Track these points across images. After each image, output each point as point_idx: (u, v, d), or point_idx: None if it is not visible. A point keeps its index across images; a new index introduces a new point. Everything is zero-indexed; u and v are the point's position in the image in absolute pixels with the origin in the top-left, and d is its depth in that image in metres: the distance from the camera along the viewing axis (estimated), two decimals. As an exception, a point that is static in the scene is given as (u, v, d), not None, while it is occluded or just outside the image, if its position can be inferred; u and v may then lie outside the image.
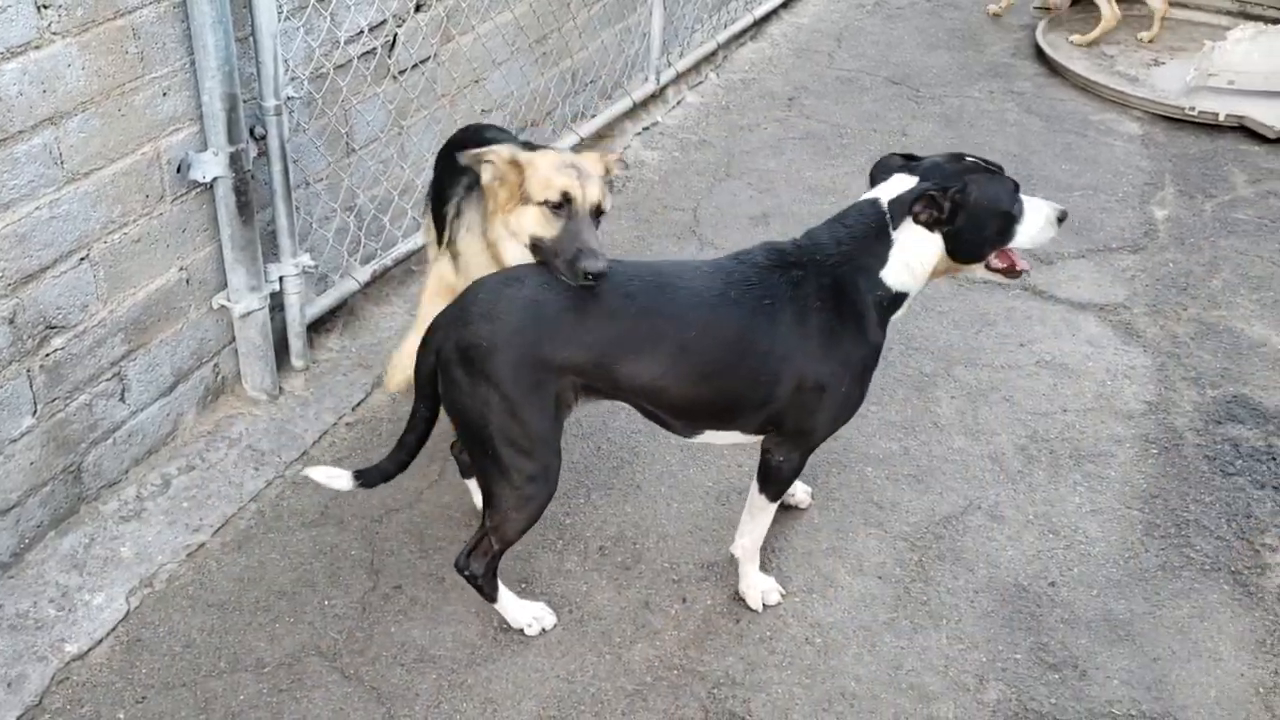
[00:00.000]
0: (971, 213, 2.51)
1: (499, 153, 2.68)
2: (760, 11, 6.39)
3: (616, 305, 2.48)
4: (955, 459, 3.38)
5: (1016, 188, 2.61)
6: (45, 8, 2.52)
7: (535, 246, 2.63)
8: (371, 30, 3.58)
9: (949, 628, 2.84)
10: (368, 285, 3.83)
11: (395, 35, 3.71)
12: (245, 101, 3.04)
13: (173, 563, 2.90)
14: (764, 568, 2.96)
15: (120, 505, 3.03)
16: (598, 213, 2.66)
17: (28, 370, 2.74)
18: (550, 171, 2.63)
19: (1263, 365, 3.77)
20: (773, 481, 2.77)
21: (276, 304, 3.42)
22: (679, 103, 5.59)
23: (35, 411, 2.78)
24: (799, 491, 3.19)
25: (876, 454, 3.40)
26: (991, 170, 2.59)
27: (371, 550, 2.99)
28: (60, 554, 2.88)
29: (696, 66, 5.82)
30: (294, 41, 3.24)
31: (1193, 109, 5.42)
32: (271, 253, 3.35)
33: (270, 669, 2.64)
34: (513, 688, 2.63)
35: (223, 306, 3.26)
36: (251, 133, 3.09)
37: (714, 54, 5.98)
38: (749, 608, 2.86)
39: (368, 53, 3.59)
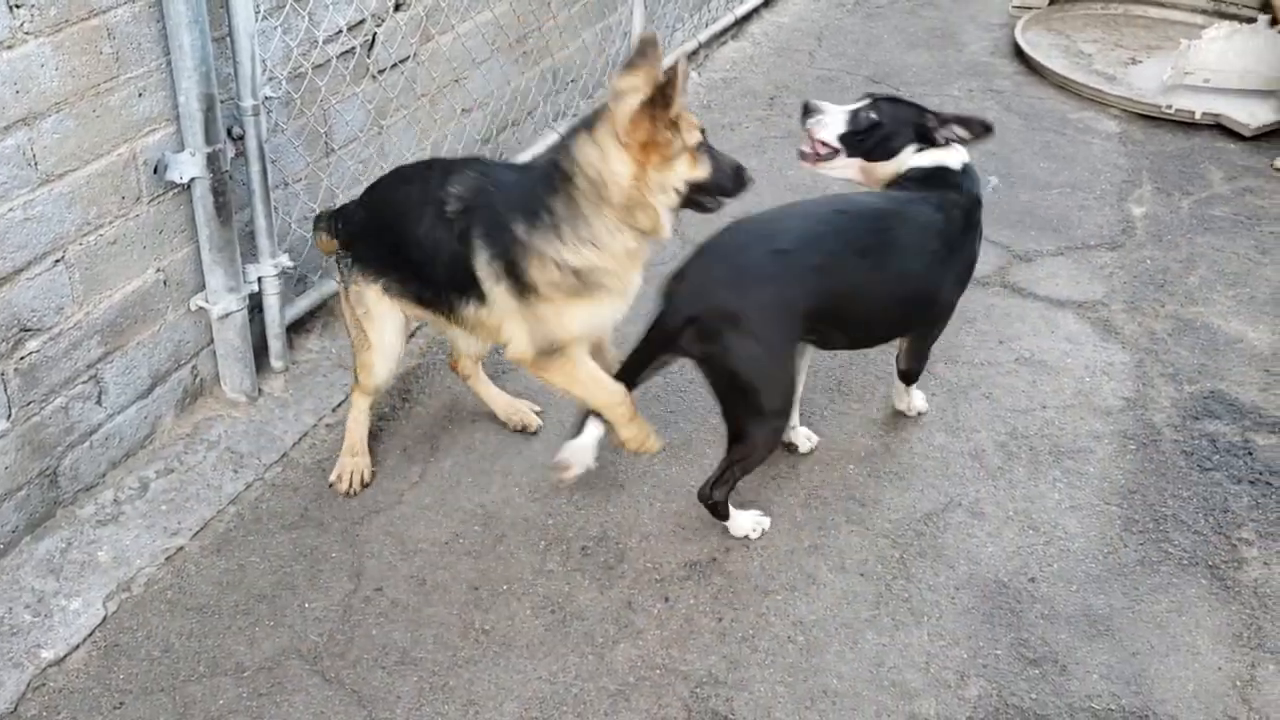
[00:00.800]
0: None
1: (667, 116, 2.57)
2: (741, 10, 6.38)
3: (830, 250, 2.87)
4: (936, 456, 3.39)
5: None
6: (18, 7, 2.50)
7: (695, 190, 2.69)
8: (350, 30, 3.57)
9: (930, 624, 2.85)
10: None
11: (374, 35, 3.70)
12: (222, 102, 3.02)
13: (151, 566, 2.88)
14: (746, 567, 2.97)
15: (97, 509, 3.01)
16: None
17: (2, 374, 2.71)
18: (686, 115, 2.64)
19: (1239, 361, 3.79)
20: (915, 374, 3.41)
21: (255, 305, 3.40)
22: (659, 102, 5.58)
23: (10, 415, 2.76)
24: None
25: (858, 451, 3.40)
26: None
27: (352, 552, 2.98)
28: (36, 559, 2.86)
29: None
30: (271, 41, 3.22)
31: (1169, 107, 5.45)
32: (250, 254, 3.33)
33: (250, 673, 2.62)
34: (495, 689, 2.63)
35: (200, 308, 3.24)
36: (229, 133, 3.07)
37: (695, 53, 5.97)
38: (732, 605, 2.86)
39: (346, 52, 3.58)
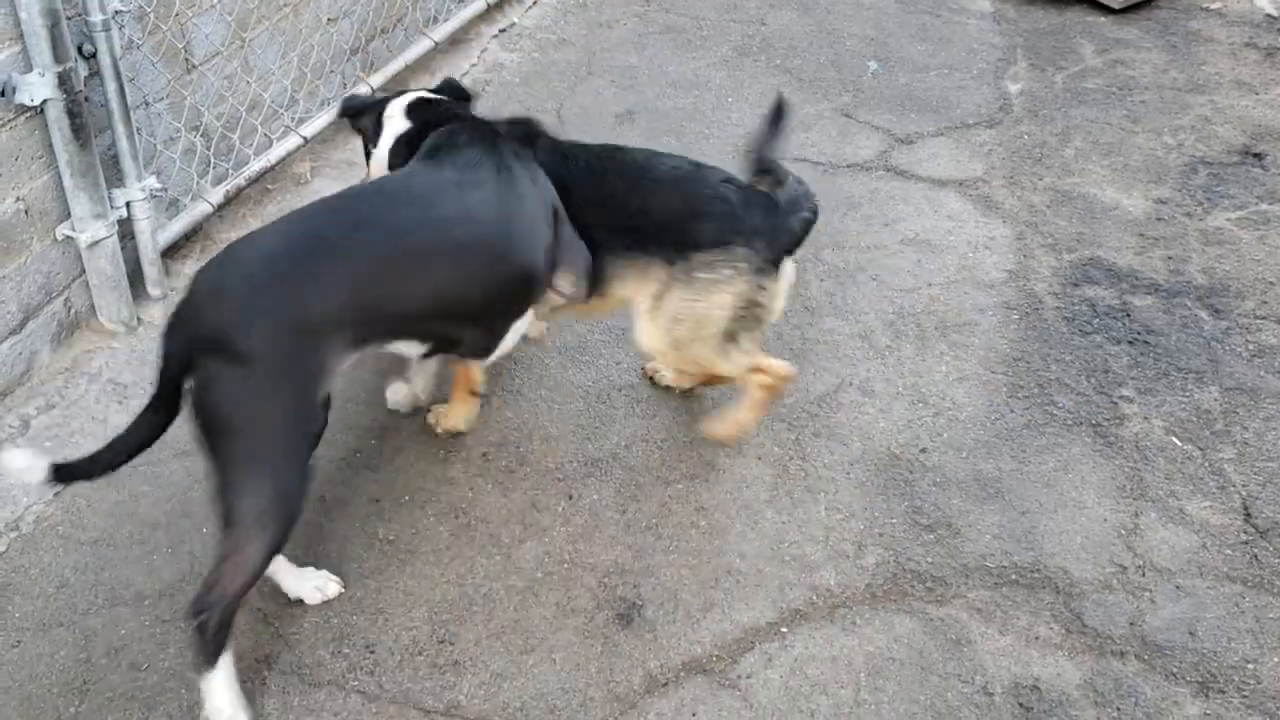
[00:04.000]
0: None
1: None
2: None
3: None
4: (826, 340, 3.44)
5: None
6: None
7: None
8: (200, -63, 3.41)
9: (827, 500, 2.92)
10: (222, 207, 3.70)
11: (227, -58, 3.54)
12: (70, 18, 2.87)
13: (39, 504, 2.81)
14: (647, 460, 3.00)
15: (-23, 451, 2.91)
16: None
17: None
18: None
19: (1115, 228, 3.90)
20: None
21: (126, 232, 3.28)
22: (536, 2, 5.48)
23: None
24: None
25: (752, 341, 3.43)
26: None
27: (248, 474, 2.92)
28: (-84, 505, 2.76)
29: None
30: (115, -49, 3.06)
31: (1041, -16, 5.50)
32: (115, 178, 3.20)
33: (151, 600, 2.59)
34: (403, 596, 2.63)
35: (68, 237, 3.12)
36: (80, 51, 2.93)
37: (568, -48, 5.84)
38: (635, 498, 2.89)
39: (199, -38, 3.42)
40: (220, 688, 2.27)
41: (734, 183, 2.77)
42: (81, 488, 2.85)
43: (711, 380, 3.09)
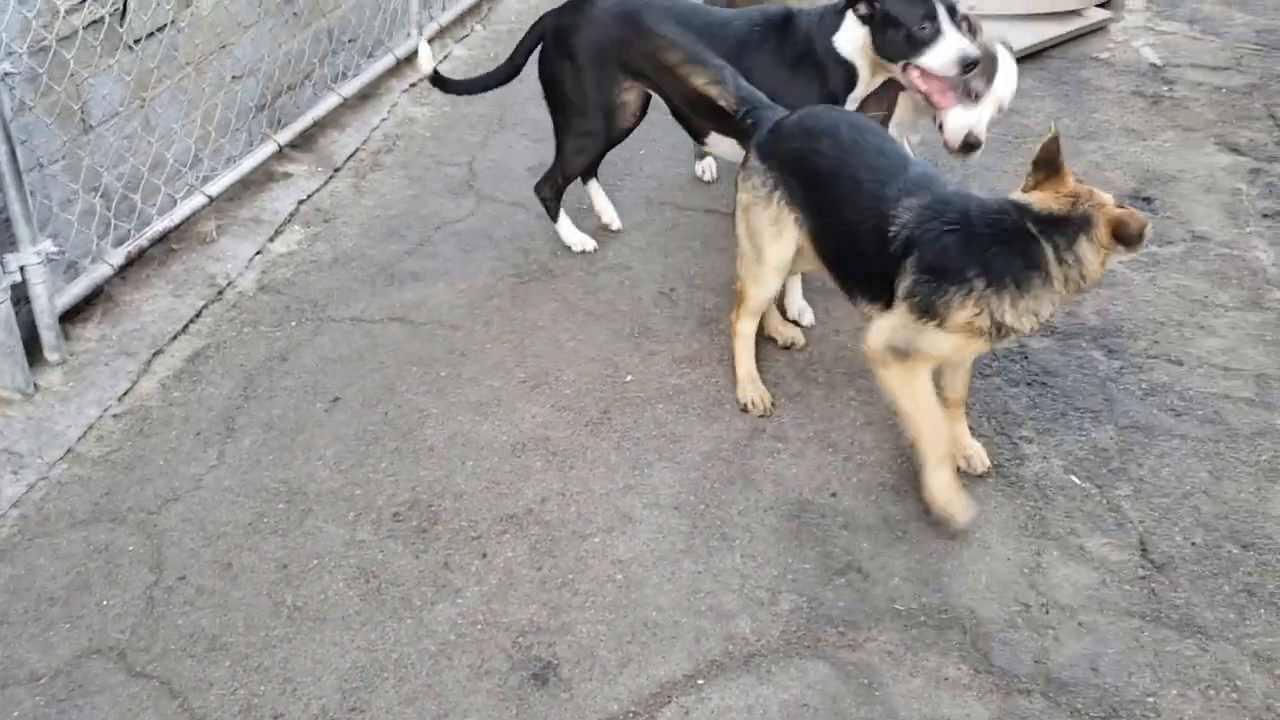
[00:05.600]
0: (885, 17, 3.31)
1: None
2: (519, -39, 6.33)
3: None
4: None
5: (935, 14, 3.25)
6: None
7: None
8: (96, -1, 3.38)
9: (742, 547, 2.94)
10: (124, 268, 3.64)
11: (125, 2, 3.51)
12: (-42, 82, 2.83)
13: (-70, 581, 2.72)
14: (563, 514, 3.00)
15: None
16: None
17: None
18: None
19: (1012, 271, 4.01)
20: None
21: (21, 296, 3.22)
22: (446, 57, 5.51)
23: None
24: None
25: (667, 390, 3.46)
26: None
27: (151, 543, 2.87)
28: None
29: (461, 19, 5.74)
30: (5, 13, 3.02)
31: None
32: (8, 242, 3.14)
33: (47, 679, 2.51)
34: (311, 664, 2.58)
35: (-41, 304, 3.05)
36: (-31, 115, 2.89)
37: (478, 5, 5.91)
38: (550, 553, 2.89)
39: (95, 22, 3.39)
40: (564, 227, 4.09)
41: None
42: (-25, 562, 2.77)
43: None
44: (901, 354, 2.91)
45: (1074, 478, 3.15)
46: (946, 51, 3.27)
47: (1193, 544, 2.95)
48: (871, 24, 3.35)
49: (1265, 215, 4.33)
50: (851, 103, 3.54)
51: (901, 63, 3.37)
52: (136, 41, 3.60)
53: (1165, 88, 5.34)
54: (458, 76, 4.23)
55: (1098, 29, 5.89)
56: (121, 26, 3.52)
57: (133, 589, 2.74)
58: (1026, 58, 5.56)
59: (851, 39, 3.42)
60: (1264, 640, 2.70)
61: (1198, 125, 5.00)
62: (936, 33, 3.26)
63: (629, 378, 3.51)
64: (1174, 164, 4.69)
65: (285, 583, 2.78)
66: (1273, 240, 4.18)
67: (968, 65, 3.26)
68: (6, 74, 2.94)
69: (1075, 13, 5.89)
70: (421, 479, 3.12)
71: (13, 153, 2.99)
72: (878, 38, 3.35)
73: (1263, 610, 2.77)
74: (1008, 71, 3.54)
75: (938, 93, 3.41)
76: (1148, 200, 4.43)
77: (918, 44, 3.29)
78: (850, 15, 3.39)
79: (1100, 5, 6.00)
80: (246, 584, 2.77)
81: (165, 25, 3.72)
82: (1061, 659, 2.65)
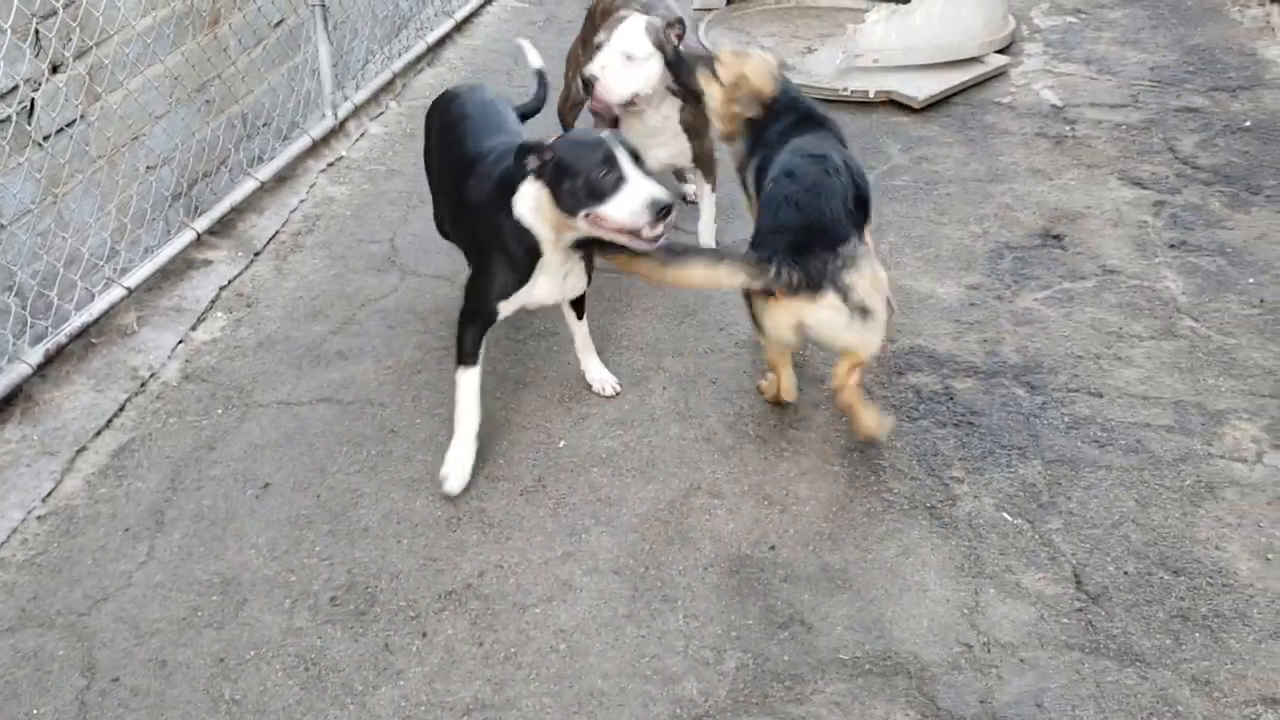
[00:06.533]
0: (559, 167, 3.01)
1: None
2: (433, 38, 6.39)
3: None
4: (673, 446, 3.50)
5: (614, 158, 2.97)
6: None
7: None
8: (2, 97, 3.35)
9: (684, 607, 2.94)
10: (43, 366, 3.58)
11: (32, 100, 3.49)
12: None
13: None
14: (502, 587, 2.98)
15: None
16: None
17: None
18: None
19: (932, 316, 4.09)
20: None
21: (-64, 402, 3.15)
22: (362, 135, 5.52)
23: None
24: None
25: (600, 454, 3.47)
26: (588, 143, 3.03)
27: (82, 646, 2.80)
28: None
29: (375, 97, 5.76)
30: (-89, 118, 2.99)
31: (846, 89, 5.82)
32: (-79, 348, 3.08)
33: (-22, 796, 2.43)
34: (254, 758, 2.53)
35: None
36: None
37: (392, 83, 5.93)
38: (491, 627, 2.86)
39: (2, 121, 3.36)
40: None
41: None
42: (-103, 680, 2.68)
43: None
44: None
45: (1006, 515, 3.20)
46: (634, 199, 2.96)
47: (1125, 573, 3.00)
48: (546, 179, 3.03)
49: (1171, 246, 4.48)
50: (543, 274, 3.27)
51: (583, 212, 3.01)
52: (46, 138, 3.57)
53: (1067, 127, 5.51)
54: (374, 155, 4.23)
55: (999, 74, 6.08)
56: (30, 124, 3.49)
57: (64, 695, 2.66)
58: (932, 106, 5.72)
59: (528, 198, 3.12)
60: (1200, 664, 2.75)
61: (1101, 162, 5.16)
62: (619, 179, 2.96)
63: (561, 443, 3.51)
64: (1081, 201, 4.84)
65: (223, 676, 2.73)
66: (1180, 270, 4.31)
67: (660, 212, 2.95)
68: (-89, 178, 2.91)
69: (976, 59, 6.08)
70: (357, 560, 3.08)
71: (-79, 257, 2.95)
72: (555, 193, 3.02)
73: (1197, 634, 2.83)
74: (631, 23, 3.91)
75: (627, 239, 3.04)
76: (1058, 238, 4.56)
77: (599, 193, 2.97)
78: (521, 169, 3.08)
79: (999, 52, 6.20)
80: (182, 681, 2.71)
81: (75, 120, 3.70)
82: (1006, 697, 2.67)
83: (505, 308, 3.30)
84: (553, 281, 3.31)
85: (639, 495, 3.31)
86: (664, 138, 4.13)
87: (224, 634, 2.84)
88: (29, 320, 3.58)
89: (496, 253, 3.23)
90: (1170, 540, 3.10)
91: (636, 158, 3.03)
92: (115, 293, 3.89)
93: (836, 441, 3.50)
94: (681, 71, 3.84)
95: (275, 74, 4.98)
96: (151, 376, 3.76)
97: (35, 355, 3.52)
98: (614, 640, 2.85)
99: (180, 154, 4.33)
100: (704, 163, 4.29)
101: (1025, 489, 3.29)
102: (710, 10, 6.96)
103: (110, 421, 3.56)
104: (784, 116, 3.58)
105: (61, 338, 3.64)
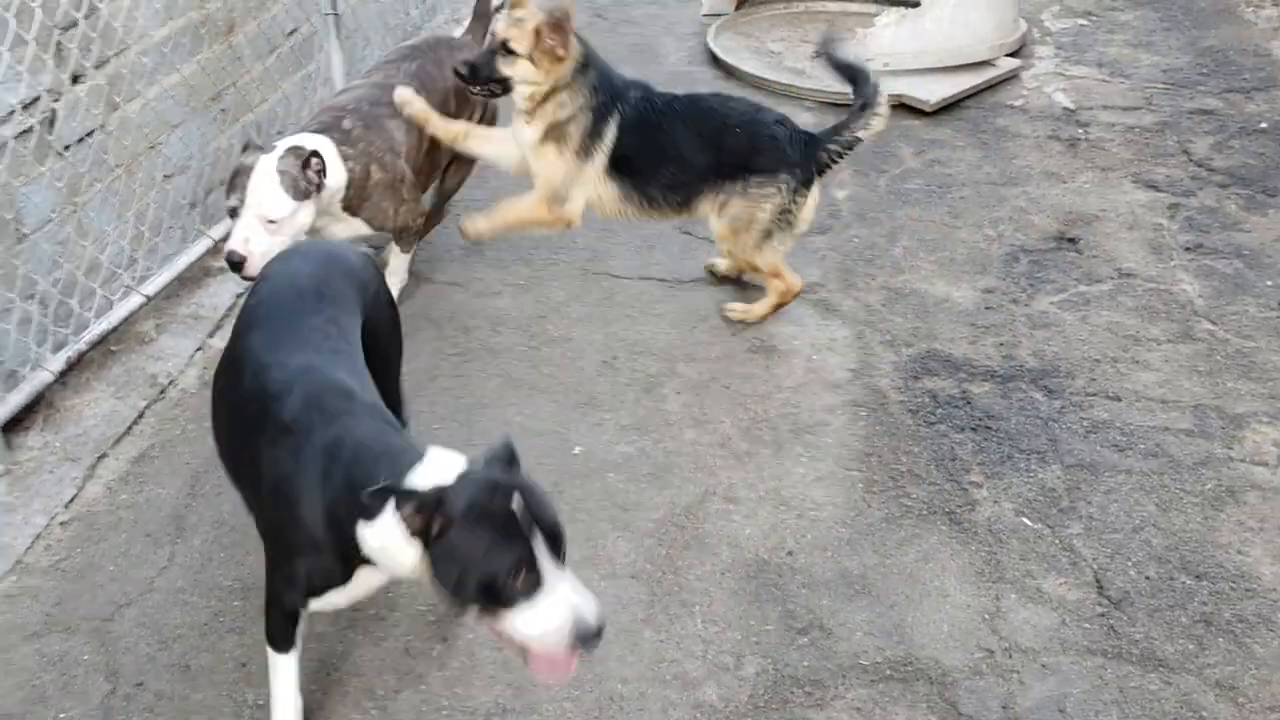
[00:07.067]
0: (451, 548, 2.06)
1: None
2: (444, 44, 6.40)
3: None
4: (688, 451, 3.50)
5: (533, 559, 2.05)
6: None
7: None
8: (25, 108, 3.38)
9: (702, 612, 2.94)
10: (64, 374, 3.60)
11: (54, 110, 3.51)
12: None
13: (-125, 709, 2.64)
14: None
15: None
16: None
17: None
18: None
19: (947, 320, 4.10)
20: None
21: (-41, 410, 3.17)
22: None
23: None
24: None
25: (615, 459, 3.48)
26: (496, 521, 2.05)
27: (106, 651, 2.81)
28: None
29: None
30: (-66, 128, 3.02)
31: (858, 93, 5.81)
32: (-56, 356, 3.10)
33: (4, 801, 2.45)
34: (277, 763, 2.54)
35: (-105, 422, 3.00)
36: (-101, 231, 2.88)
37: (404, 91, 5.94)
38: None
39: (24, 131, 3.38)
40: None
41: (784, 124, 3.87)
42: (-78, 687, 2.70)
43: (750, 269, 4.08)
44: None
45: (1026, 520, 3.20)
46: (551, 616, 2.07)
47: (1147, 578, 3.00)
48: (427, 544, 2.08)
49: (1187, 249, 4.47)
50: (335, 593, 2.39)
51: (474, 609, 2.12)
52: (66, 148, 3.59)
53: (1080, 130, 5.51)
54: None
55: (1010, 77, 6.08)
56: (51, 134, 3.52)
57: (90, 699, 2.68)
58: (944, 109, 5.72)
59: (385, 539, 2.14)
60: (1224, 669, 2.74)
61: (1115, 165, 5.16)
62: (535, 584, 2.06)
63: (577, 449, 3.51)
64: (1095, 204, 4.83)
65: (245, 681, 2.74)
66: (1197, 273, 4.31)
67: (587, 638, 2.09)
68: (-64, 188, 2.93)
69: (987, 63, 6.07)
70: (378, 566, 3.09)
71: (-55, 266, 2.97)
72: (438, 569, 2.08)
73: (1221, 639, 2.82)
74: (262, 179, 3.36)
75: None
76: (1072, 241, 4.56)
77: (503, 598, 2.06)
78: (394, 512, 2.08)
79: (1010, 55, 6.20)
80: (206, 685, 2.72)
81: (94, 130, 3.73)
82: (1029, 702, 2.67)
83: (319, 604, 2.43)
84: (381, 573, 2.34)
85: (655, 500, 3.31)
86: (335, 224, 3.72)
87: (245, 639, 2.85)
88: (50, 328, 3.60)
89: (308, 554, 2.31)
90: (1192, 545, 3.10)
91: (556, 543, 2.11)
92: (134, 301, 3.91)
93: (853, 446, 3.50)
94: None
95: (289, 82, 5.00)
96: (170, 383, 3.78)
97: (57, 362, 3.54)
98: (632, 645, 2.85)
99: (196, 162, 4.35)
100: (395, 230, 3.96)
101: (1045, 493, 3.29)
102: (718, 16, 6.97)
103: (130, 428, 3.58)
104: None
105: (82, 345, 3.65)
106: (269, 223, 3.36)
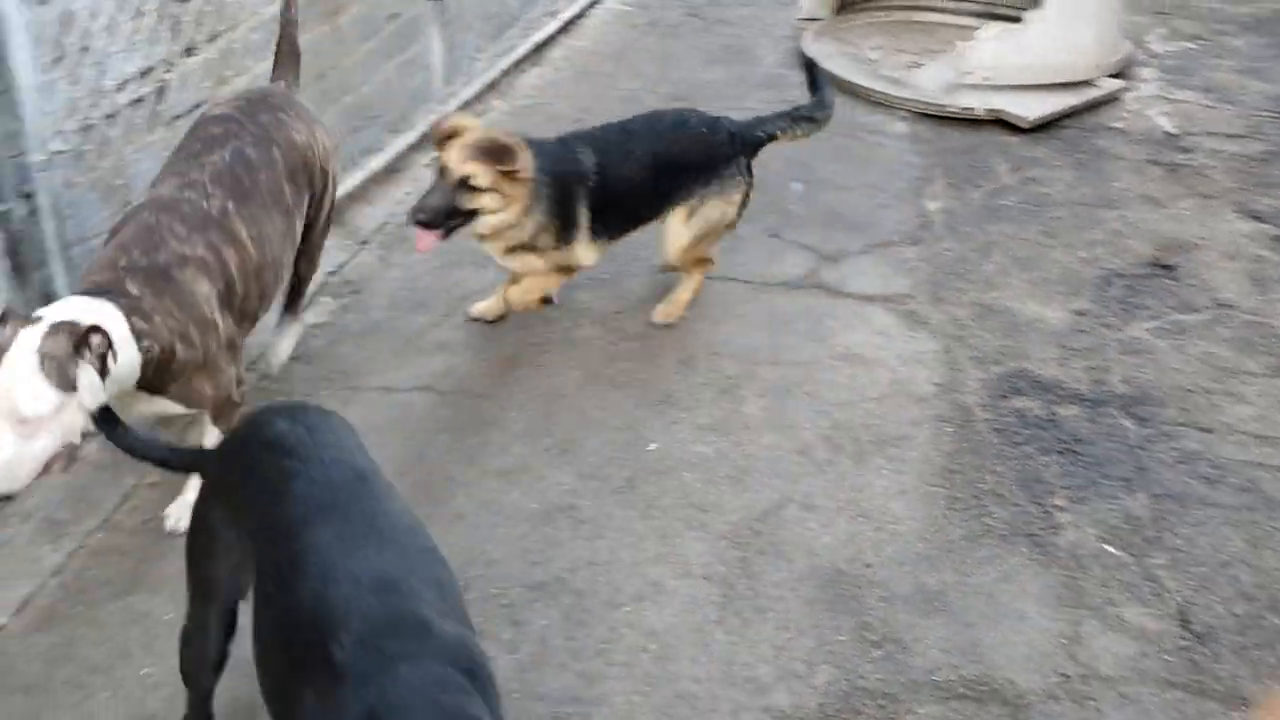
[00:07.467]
0: None
1: None
2: (538, 37, 6.45)
3: None
4: (766, 455, 3.49)
5: None
6: None
7: None
8: (141, 77, 3.46)
9: (776, 618, 2.93)
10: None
11: (165, 81, 3.59)
12: (12, 157, 2.89)
13: (-35, 654, 2.72)
14: (594, 583, 3.00)
15: (-98, 598, 2.83)
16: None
17: None
18: None
19: (1038, 340, 4.04)
20: None
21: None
22: (468, 131, 5.59)
23: None
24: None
25: (692, 459, 3.47)
26: None
27: (187, 612, 2.87)
28: None
29: (481, 95, 5.83)
30: (56, 93, 3.10)
31: (953, 106, 5.75)
32: (51, 314, 3.18)
33: (87, 751, 2.51)
34: (350, 734, 2.57)
35: (2, 375, 3.04)
36: (19, 190, 2.95)
37: (497, 81, 6.00)
38: (583, 623, 2.88)
39: (137, 100, 3.47)
40: None
41: (723, 120, 4.08)
42: (14, 632, 2.78)
43: (695, 265, 4.13)
44: None
45: (1109, 547, 3.15)
46: None
47: (1234, 614, 2.93)
48: None
49: (1288, 282, 4.37)
50: None
51: None
52: (176, 118, 3.68)
53: (1182, 155, 5.40)
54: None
55: (1111, 99, 5.97)
56: (161, 104, 3.60)
57: (172, 659, 2.71)
58: (1042, 127, 5.64)
59: None
60: (1308, 711, 2.68)
61: (1216, 193, 5.05)
62: None
63: (652, 446, 3.52)
64: (1194, 231, 4.73)
65: (322, 653, 2.78)
66: (1297, 308, 4.21)
67: None
68: (56, 152, 3.01)
69: (1088, 83, 5.97)
70: (452, 546, 3.11)
71: (59, 229, 3.06)
72: None
73: (1306, 681, 2.75)
74: (15, 363, 2.47)
75: None
76: (1168, 268, 4.47)
77: None
78: None
79: (1113, 76, 6.09)
80: (283, 655, 2.77)
81: (202, 102, 3.81)
82: (1104, 731, 2.63)
83: None
84: None
85: (731, 503, 3.31)
86: (136, 403, 2.91)
87: (324, 611, 2.90)
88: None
89: None
90: (1281, 584, 3.03)
91: None
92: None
93: (936, 461, 3.46)
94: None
95: (390, 65, 5.07)
96: (260, 356, 3.85)
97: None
98: (704, 645, 2.85)
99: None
100: (211, 409, 3.12)
101: (1130, 521, 3.23)
102: (815, 20, 6.93)
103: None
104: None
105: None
106: (21, 423, 2.47)
